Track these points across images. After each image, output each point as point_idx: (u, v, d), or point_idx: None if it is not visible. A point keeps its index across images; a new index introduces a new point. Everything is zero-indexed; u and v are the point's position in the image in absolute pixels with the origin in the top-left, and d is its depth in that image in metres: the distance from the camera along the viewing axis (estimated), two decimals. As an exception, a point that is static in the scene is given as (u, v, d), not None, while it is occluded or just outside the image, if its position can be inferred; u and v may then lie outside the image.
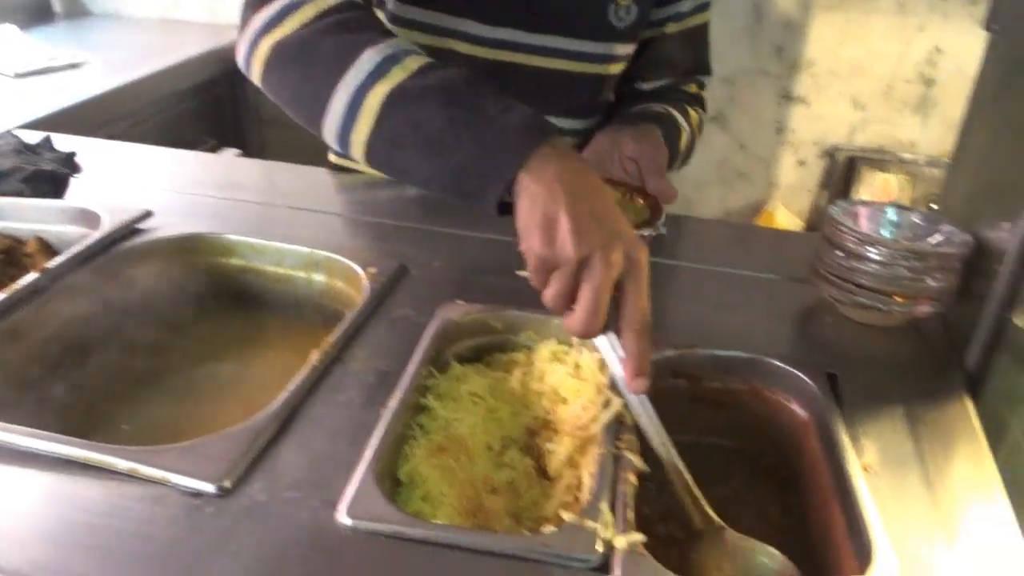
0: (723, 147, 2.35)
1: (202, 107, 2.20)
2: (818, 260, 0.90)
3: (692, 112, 1.21)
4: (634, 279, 0.64)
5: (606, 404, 0.72)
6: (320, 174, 1.27)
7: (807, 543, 0.71)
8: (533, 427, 0.79)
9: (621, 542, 0.58)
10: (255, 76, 0.84)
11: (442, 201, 1.15)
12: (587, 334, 0.64)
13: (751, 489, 0.80)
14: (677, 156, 1.15)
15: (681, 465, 0.67)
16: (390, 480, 0.69)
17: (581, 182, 0.66)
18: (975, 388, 0.81)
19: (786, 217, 2.31)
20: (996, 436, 0.76)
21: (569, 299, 0.64)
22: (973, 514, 0.65)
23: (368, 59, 0.75)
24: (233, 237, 1.01)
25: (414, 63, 0.75)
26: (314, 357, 0.79)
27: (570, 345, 0.84)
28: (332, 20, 0.79)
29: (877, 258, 0.83)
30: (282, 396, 0.73)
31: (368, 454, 0.66)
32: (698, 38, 1.21)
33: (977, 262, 0.86)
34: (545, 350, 0.83)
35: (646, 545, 0.59)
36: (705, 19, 1.21)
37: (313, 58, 0.78)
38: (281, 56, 0.80)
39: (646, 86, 1.21)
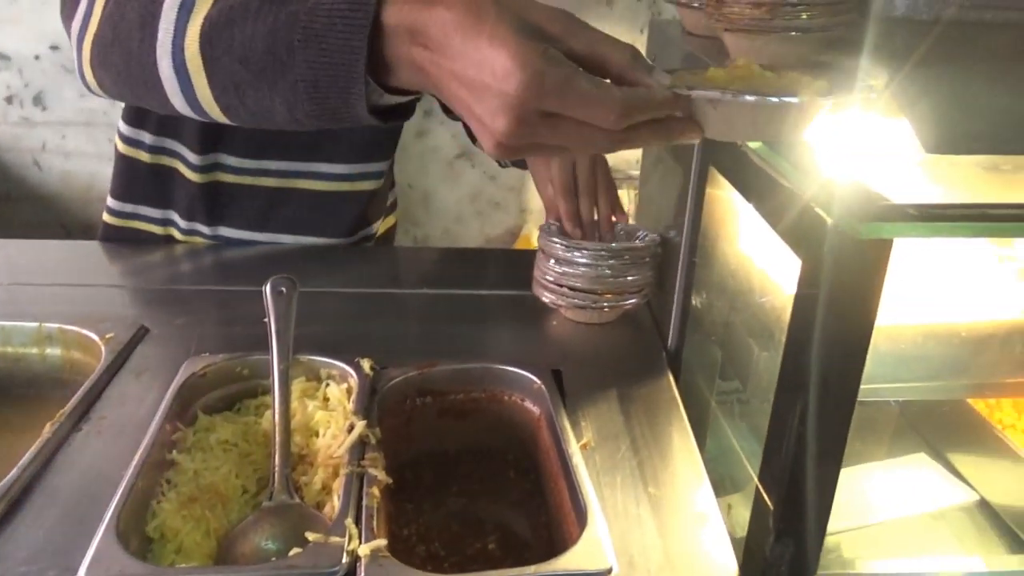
0: (475, 181, 2.49)
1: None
2: (537, 271, 1.00)
3: None
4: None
5: (350, 429, 0.77)
6: (50, 246, 1.22)
7: (547, 517, 0.79)
8: (290, 464, 0.81)
9: (365, 550, 0.62)
10: (91, 84, 0.74)
11: (177, 262, 1.17)
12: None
13: (501, 482, 0.87)
14: None
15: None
16: (139, 538, 0.68)
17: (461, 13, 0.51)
18: (675, 363, 0.94)
19: (540, 239, 2.49)
20: (692, 399, 0.89)
21: None
22: (671, 470, 0.76)
23: (169, 6, 0.63)
24: (-52, 322, 0.95)
25: None
26: (47, 430, 0.77)
27: (319, 380, 0.87)
28: None
29: (583, 261, 0.95)
30: (11, 473, 0.70)
31: (109, 514, 0.65)
32: None
33: (667, 258, 1.00)
34: (295, 388, 0.86)
35: (398, 552, 0.64)
36: None
37: (125, 34, 0.66)
38: (100, 49, 0.69)
39: None
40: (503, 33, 0.48)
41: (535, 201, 2.55)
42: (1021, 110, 0.60)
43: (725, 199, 0.85)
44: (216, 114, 0.66)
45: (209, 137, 1.12)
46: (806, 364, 0.54)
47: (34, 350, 0.96)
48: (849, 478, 0.96)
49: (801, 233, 0.57)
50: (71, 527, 0.66)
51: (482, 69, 0.48)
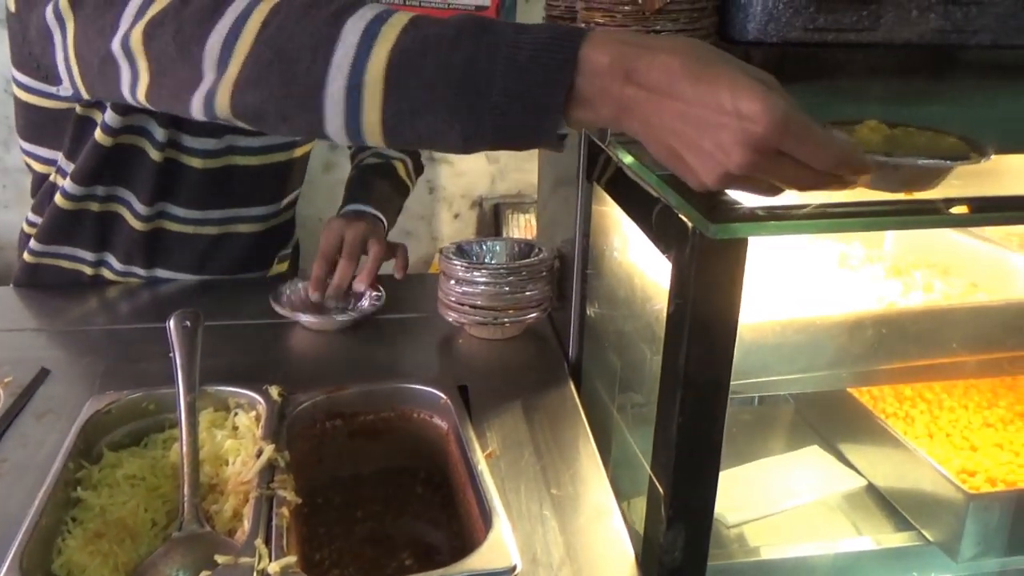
0: (386, 211, 2.52)
1: None
2: (440, 292, 1.03)
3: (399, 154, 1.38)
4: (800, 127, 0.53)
5: (259, 454, 0.78)
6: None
7: (458, 526, 0.81)
8: (199, 494, 0.81)
9: (275, 567, 0.64)
10: (223, 112, 0.70)
11: (86, 297, 1.16)
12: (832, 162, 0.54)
13: (413, 499, 0.90)
14: (397, 197, 1.36)
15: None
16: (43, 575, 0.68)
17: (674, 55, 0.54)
18: (576, 373, 0.98)
19: (453, 266, 2.53)
20: (595, 408, 0.94)
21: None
22: (572, 472, 0.80)
23: (352, 30, 0.63)
24: None
25: (401, 19, 0.63)
26: (-56, 477, 0.75)
27: (227, 410, 0.88)
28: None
29: (483, 280, 0.98)
30: (-95, 523, 0.69)
31: (12, 552, 0.65)
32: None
33: (564, 272, 1.04)
34: (203, 419, 0.86)
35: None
36: None
37: (293, 56, 0.64)
38: (255, 70, 0.66)
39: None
40: (742, 80, 0.52)
41: (445, 228, 2.59)
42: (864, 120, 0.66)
43: (612, 214, 0.90)
44: (372, 139, 0.65)
45: (160, 190, 1.14)
46: (681, 361, 0.59)
47: (-70, 397, 0.94)
48: (749, 472, 1.02)
49: (670, 238, 0.62)
50: (-28, 571, 0.65)
51: (720, 109, 0.51)
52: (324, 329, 1.09)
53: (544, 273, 1.01)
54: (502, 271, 0.98)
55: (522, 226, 2.44)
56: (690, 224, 0.56)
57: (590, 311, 0.96)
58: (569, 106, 0.57)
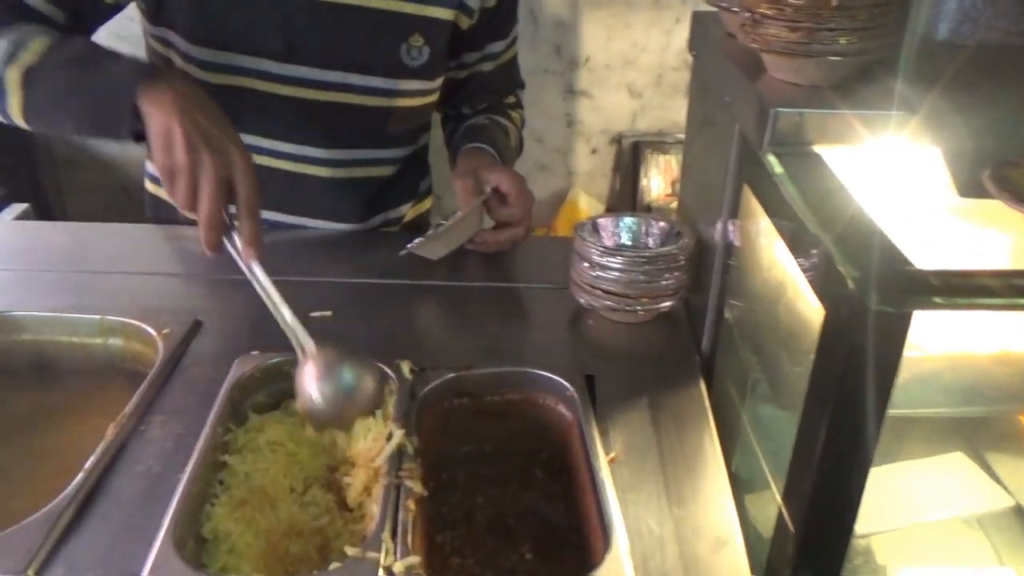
0: (522, 142, 2.49)
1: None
2: (572, 271, 1.02)
3: (513, 113, 1.36)
4: (239, 173, 0.80)
5: (389, 437, 0.80)
6: (107, 230, 1.27)
7: (575, 530, 0.82)
8: (332, 464, 0.86)
9: (400, 567, 0.67)
10: None
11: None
12: (209, 225, 0.79)
13: (533, 482, 0.91)
14: (512, 153, 1.31)
15: (283, 306, 0.82)
16: (195, 540, 0.74)
17: (191, 101, 0.81)
18: (708, 372, 0.95)
19: (587, 202, 2.48)
20: (723, 405, 0.91)
21: (194, 199, 0.80)
22: (696, 490, 0.78)
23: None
24: (19, 313, 1.01)
25: (40, 45, 0.89)
26: (110, 432, 0.82)
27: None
28: None
29: (617, 266, 0.96)
30: (78, 477, 0.76)
31: (167, 521, 0.71)
32: (511, 67, 1.34)
33: (703, 259, 1.00)
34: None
35: (433, 563, 0.68)
36: (516, 50, 1.33)
37: None
38: None
39: (469, 110, 1.34)
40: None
41: (581, 164, 2.54)
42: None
43: (760, 207, 0.85)
44: (21, 124, 0.93)
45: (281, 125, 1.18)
46: (824, 422, 0.55)
47: (98, 340, 1.02)
48: (884, 475, 0.97)
49: (823, 282, 0.58)
50: (134, 530, 0.72)
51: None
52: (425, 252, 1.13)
53: (683, 261, 0.97)
54: (639, 259, 0.95)
55: (661, 167, 2.37)
56: (850, 283, 0.52)
57: (728, 304, 0.92)
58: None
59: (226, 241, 0.82)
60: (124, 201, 2.37)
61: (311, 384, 0.79)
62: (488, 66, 1.28)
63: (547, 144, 2.48)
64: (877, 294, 0.49)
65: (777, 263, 0.81)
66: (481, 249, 1.17)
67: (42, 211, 2.06)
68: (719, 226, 0.92)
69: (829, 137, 0.71)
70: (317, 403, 0.79)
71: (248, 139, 1.19)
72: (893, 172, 0.76)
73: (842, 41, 0.71)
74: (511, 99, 1.38)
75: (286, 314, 0.82)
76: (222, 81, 1.11)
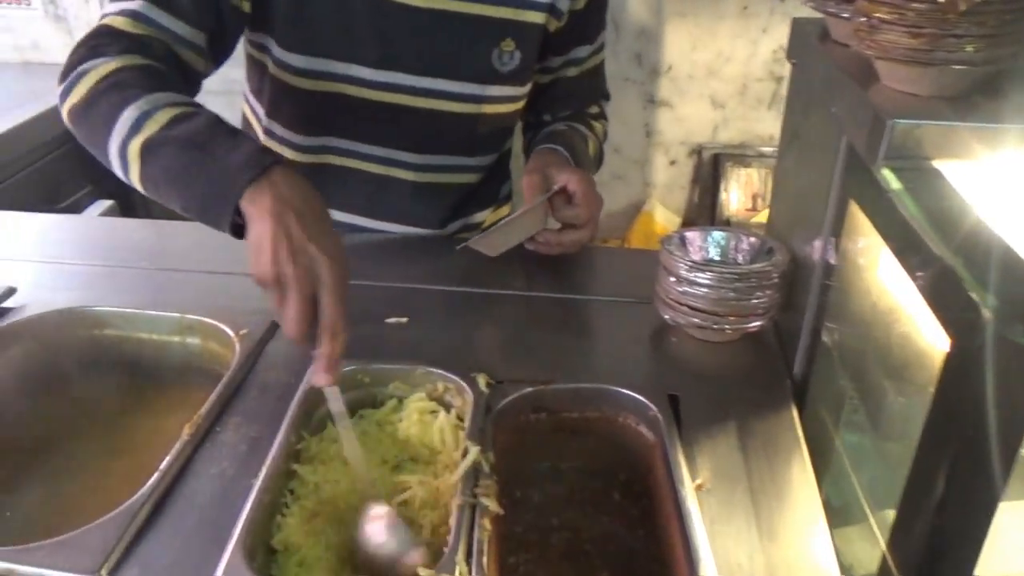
0: (599, 151, 2.45)
1: (74, 153, 2.14)
2: (657, 285, 0.98)
3: (595, 124, 1.31)
4: (326, 291, 0.75)
5: (464, 453, 0.78)
6: (187, 228, 1.28)
7: (656, 559, 0.78)
8: (404, 483, 0.83)
9: (473, 591, 0.64)
10: (66, 120, 0.96)
11: None
12: (293, 336, 0.76)
13: (610, 505, 0.87)
14: (588, 161, 1.25)
15: (357, 451, 0.78)
16: (265, 550, 0.73)
17: (290, 206, 0.77)
18: (801, 397, 0.90)
19: (664, 215, 2.43)
20: (814, 430, 0.85)
21: (281, 309, 0.77)
22: (789, 524, 0.73)
23: (128, 117, 0.87)
24: (102, 309, 1.02)
25: (165, 116, 0.87)
26: (186, 432, 0.82)
27: (436, 393, 0.89)
28: (110, 82, 0.91)
29: (706, 282, 0.91)
30: (153, 477, 0.76)
31: (238, 530, 0.69)
32: (597, 74, 1.30)
33: (798, 276, 0.95)
34: (412, 405, 0.87)
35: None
36: (602, 57, 1.29)
37: (93, 118, 0.91)
38: (76, 120, 0.94)
39: (550, 118, 1.30)
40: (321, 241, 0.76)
41: (658, 175, 2.48)
42: None
43: (864, 222, 0.80)
44: (141, 190, 0.90)
45: (316, 121, 1.17)
46: (943, 467, 0.50)
47: (176, 338, 1.02)
48: (1006, 516, 0.90)
49: (950, 309, 0.53)
50: (206, 535, 0.71)
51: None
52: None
53: (776, 279, 0.92)
54: (729, 275, 0.91)
55: (742, 181, 2.30)
56: (986, 312, 0.47)
57: (825, 327, 0.87)
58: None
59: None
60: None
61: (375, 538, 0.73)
62: (572, 71, 1.25)
63: (624, 154, 2.44)
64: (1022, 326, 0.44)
65: (887, 286, 0.75)
66: (542, 250, 1.13)
67: (126, 208, 2.11)
68: (817, 244, 0.87)
69: (950, 152, 0.65)
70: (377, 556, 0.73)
71: (337, 142, 1.19)
72: (1018, 191, 0.70)
73: (968, 49, 0.65)
74: (594, 109, 1.34)
75: (360, 469, 0.78)
76: (314, 87, 1.11)
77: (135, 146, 0.86)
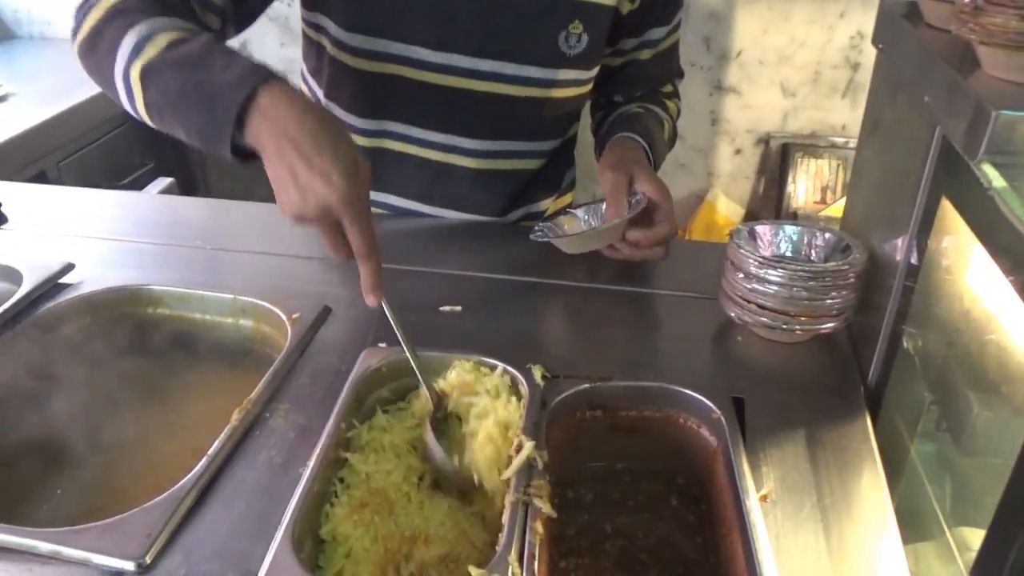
0: (662, 138, 2.38)
1: (138, 129, 2.17)
2: (723, 281, 0.93)
3: (669, 103, 1.27)
4: (345, 223, 0.76)
5: (518, 448, 0.75)
6: (245, 209, 1.28)
7: (714, 572, 0.74)
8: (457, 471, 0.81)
9: (524, 598, 0.61)
10: (82, 66, 0.96)
11: None
12: (338, 261, 0.80)
13: (666, 510, 0.83)
14: (663, 144, 1.21)
15: (412, 356, 0.81)
16: (312, 539, 0.71)
17: (282, 140, 0.75)
18: (875, 404, 0.85)
19: (727, 205, 2.36)
20: (887, 439, 0.80)
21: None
22: (861, 543, 0.68)
23: (128, 41, 0.86)
24: (157, 288, 1.02)
25: (164, 39, 0.85)
26: (235, 417, 0.80)
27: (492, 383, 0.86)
28: (115, 10, 0.89)
29: (777, 280, 0.86)
30: (201, 462, 0.74)
31: (286, 520, 0.68)
32: (671, 54, 1.25)
33: (876, 277, 0.89)
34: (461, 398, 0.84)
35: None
36: (677, 36, 1.24)
37: (99, 50, 0.90)
38: (84, 54, 0.93)
39: (621, 99, 1.26)
40: (346, 156, 0.75)
41: (723, 164, 2.41)
42: None
43: (953, 222, 0.74)
44: (147, 121, 0.89)
45: (374, 104, 1.15)
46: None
47: (229, 320, 1.01)
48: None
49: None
50: (252, 523, 0.69)
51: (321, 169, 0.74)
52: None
53: (852, 279, 0.87)
54: (803, 273, 0.86)
55: (811, 172, 2.21)
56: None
57: (906, 332, 0.81)
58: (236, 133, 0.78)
59: None
60: (264, 182, 2.43)
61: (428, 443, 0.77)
62: (646, 54, 1.20)
63: (688, 142, 2.37)
64: None
65: (979, 291, 0.70)
66: (618, 257, 1.08)
67: (186, 186, 2.13)
68: (900, 242, 0.81)
69: (1061, 146, 0.59)
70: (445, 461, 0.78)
71: (394, 126, 1.16)
72: None
73: (1086, 33, 0.59)
74: (668, 87, 1.28)
75: (415, 366, 0.82)
76: (372, 68, 1.09)
77: (135, 71, 0.85)
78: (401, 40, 1.07)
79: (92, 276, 1.03)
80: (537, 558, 0.65)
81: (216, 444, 0.76)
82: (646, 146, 1.12)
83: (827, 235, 0.94)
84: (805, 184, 2.24)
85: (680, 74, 1.30)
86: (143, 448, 0.92)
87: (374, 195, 1.21)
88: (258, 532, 0.68)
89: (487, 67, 1.09)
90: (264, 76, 0.77)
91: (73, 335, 0.98)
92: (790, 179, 2.24)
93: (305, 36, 1.18)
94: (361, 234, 0.76)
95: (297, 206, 0.75)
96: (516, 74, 1.10)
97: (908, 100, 0.83)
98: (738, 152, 2.38)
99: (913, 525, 0.77)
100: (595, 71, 1.16)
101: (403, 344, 0.81)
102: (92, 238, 1.15)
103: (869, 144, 0.98)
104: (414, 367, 0.82)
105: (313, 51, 1.17)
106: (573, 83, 1.14)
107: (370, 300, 0.79)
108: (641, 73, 1.22)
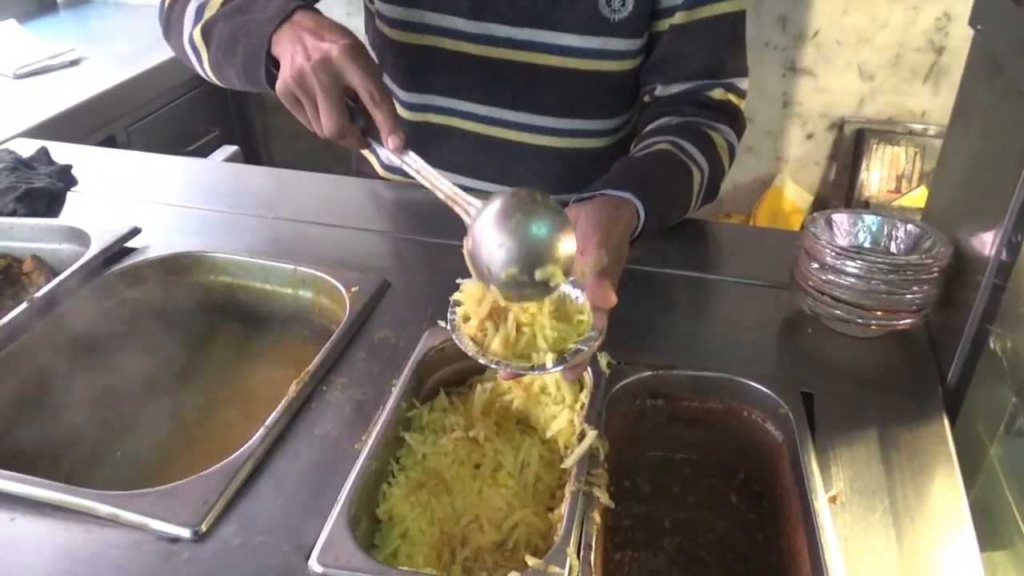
0: (729, 120, 2.32)
1: (205, 97, 2.19)
2: (796, 270, 0.89)
3: (715, 135, 1.02)
4: (349, 72, 0.77)
5: (580, 437, 0.73)
6: (307, 179, 1.27)
7: (776, 559, 0.71)
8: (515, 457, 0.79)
9: (580, 589, 0.59)
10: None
11: (428, 211, 1.16)
12: (332, 132, 0.80)
13: (726, 505, 0.81)
14: (670, 208, 0.95)
15: (440, 181, 0.76)
16: (368, 518, 0.70)
17: (301, 30, 0.81)
18: (954, 405, 0.80)
19: (795, 192, 2.28)
20: (972, 455, 0.76)
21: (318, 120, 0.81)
22: (935, 549, 0.65)
23: (191, 11, 0.96)
24: (219, 255, 1.02)
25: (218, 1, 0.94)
26: (292, 389, 0.80)
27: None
28: None
29: (854, 271, 0.82)
30: (258, 433, 0.74)
31: (342, 496, 0.67)
32: (718, 30, 1.03)
33: (960, 273, 0.84)
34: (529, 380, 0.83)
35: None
36: (726, 9, 1.03)
37: (174, 27, 1.00)
38: (165, 32, 1.03)
39: (662, 90, 1.08)
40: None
41: (793, 149, 2.33)
42: None
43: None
44: (216, 80, 0.99)
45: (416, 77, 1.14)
46: None
47: (289, 290, 1.01)
48: None
49: None
50: (307, 497, 0.69)
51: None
52: None
53: (936, 273, 0.82)
54: (883, 265, 0.81)
55: (886, 160, 2.13)
56: None
57: (992, 332, 0.77)
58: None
59: (376, 148, 0.81)
60: (325, 151, 2.44)
61: (487, 238, 0.63)
62: (681, 18, 1.02)
63: (757, 124, 2.30)
64: None
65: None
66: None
67: (250, 155, 2.15)
68: (992, 236, 0.77)
69: None
70: (497, 259, 0.62)
71: (437, 100, 1.14)
72: None
73: None
74: (717, 92, 1.05)
75: (444, 187, 0.75)
76: (412, 40, 1.08)
77: (197, 34, 0.93)
78: (436, 10, 1.05)
79: (157, 241, 1.04)
80: (593, 549, 0.63)
81: (273, 415, 0.76)
82: (640, 205, 0.86)
83: (908, 226, 0.90)
84: (879, 172, 2.15)
85: (740, 72, 1.07)
86: (201, 415, 0.93)
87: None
88: (313, 507, 0.67)
89: (524, 36, 1.05)
90: (296, 7, 0.84)
91: (137, 298, 0.99)
92: (864, 166, 2.16)
93: (364, 7, 1.18)
94: (368, 80, 0.78)
95: (299, 62, 0.78)
96: (553, 42, 1.05)
97: (1006, 85, 0.78)
98: (809, 137, 2.30)
99: (990, 532, 0.73)
100: (643, 40, 1.05)
101: (428, 181, 0.76)
102: (158, 203, 1.16)
103: (958, 131, 0.93)
104: (444, 193, 0.74)
105: (371, 24, 1.16)
106: (618, 54, 1.05)
107: (392, 142, 0.77)
108: (677, 48, 1.03)
